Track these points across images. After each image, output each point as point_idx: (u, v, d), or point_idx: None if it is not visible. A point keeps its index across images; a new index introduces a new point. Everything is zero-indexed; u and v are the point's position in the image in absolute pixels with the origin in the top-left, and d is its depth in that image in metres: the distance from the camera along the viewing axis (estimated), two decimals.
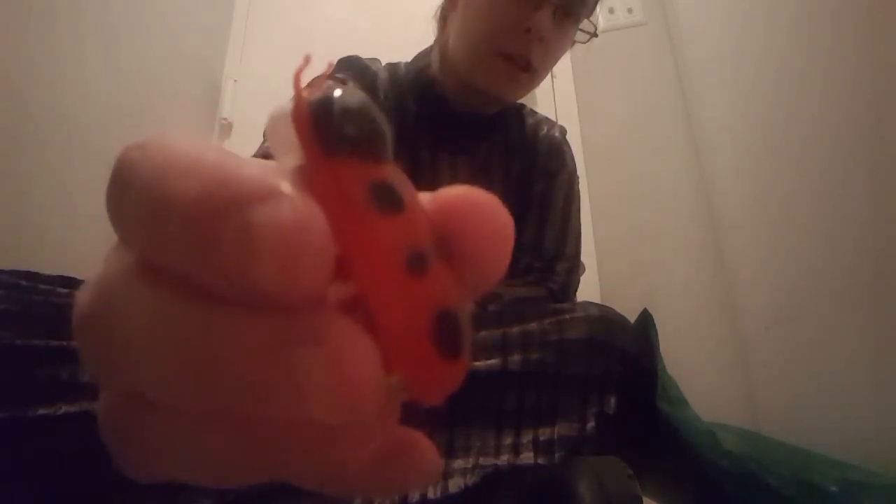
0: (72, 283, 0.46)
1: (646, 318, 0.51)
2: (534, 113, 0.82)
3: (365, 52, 0.78)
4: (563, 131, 0.81)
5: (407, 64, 0.77)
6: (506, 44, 0.60)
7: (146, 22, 1.36)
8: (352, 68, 0.72)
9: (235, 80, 1.69)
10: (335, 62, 0.73)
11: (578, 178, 0.78)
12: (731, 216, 1.15)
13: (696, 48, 1.27)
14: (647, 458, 0.44)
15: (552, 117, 1.44)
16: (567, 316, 0.48)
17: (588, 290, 1.14)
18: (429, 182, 0.57)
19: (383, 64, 0.77)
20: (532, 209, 0.72)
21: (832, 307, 0.99)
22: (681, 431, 0.42)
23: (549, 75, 1.44)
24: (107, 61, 1.22)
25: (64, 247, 1.08)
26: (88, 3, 1.19)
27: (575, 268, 0.73)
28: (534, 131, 0.79)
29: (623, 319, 0.50)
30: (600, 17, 1.49)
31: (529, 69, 0.62)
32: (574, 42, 0.69)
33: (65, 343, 0.44)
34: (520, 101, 0.77)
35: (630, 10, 1.48)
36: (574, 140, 1.40)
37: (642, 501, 0.40)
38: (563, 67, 1.47)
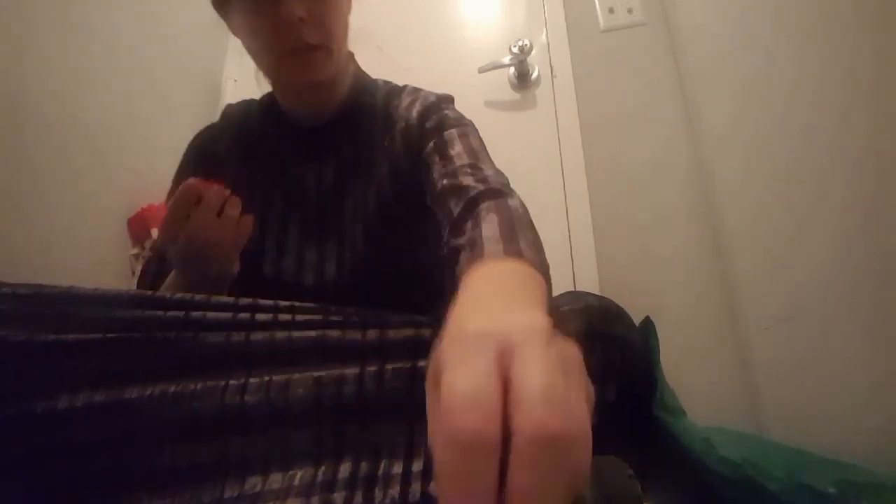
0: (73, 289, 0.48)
1: (647, 327, 0.51)
2: (391, 88, 0.78)
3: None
4: (442, 98, 0.76)
5: (262, 97, 0.81)
6: (279, 45, 0.62)
7: (146, 23, 1.36)
8: (191, 160, 0.78)
9: (235, 80, 1.69)
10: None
11: (467, 121, 0.72)
12: (731, 216, 1.15)
13: (696, 48, 1.27)
14: (646, 465, 0.44)
15: (552, 117, 1.45)
16: (566, 307, 0.48)
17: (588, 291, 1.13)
18: (300, 190, 0.68)
19: (239, 104, 0.84)
20: (433, 156, 0.65)
21: (832, 308, 1.00)
22: (678, 439, 0.43)
23: (550, 75, 1.45)
24: (108, 62, 1.22)
25: (69, 249, 1.08)
26: (90, 4, 1.19)
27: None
28: (394, 105, 0.75)
29: (621, 310, 0.50)
30: (600, 16, 1.50)
31: (318, 47, 0.63)
32: None
33: (63, 337, 0.45)
34: (383, 81, 0.79)
35: (630, 10, 1.47)
36: (573, 140, 1.41)
37: (642, 501, 0.40)
38: (564, 67, 1.47)
